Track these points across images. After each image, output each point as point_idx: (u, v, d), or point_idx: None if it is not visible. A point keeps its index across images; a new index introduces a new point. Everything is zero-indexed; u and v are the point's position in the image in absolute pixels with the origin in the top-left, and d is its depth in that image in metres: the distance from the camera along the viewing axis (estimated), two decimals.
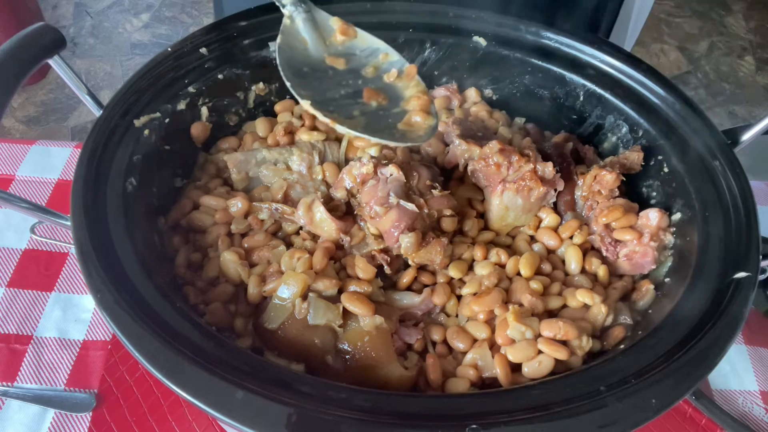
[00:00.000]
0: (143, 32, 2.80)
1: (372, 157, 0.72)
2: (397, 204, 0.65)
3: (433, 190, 0.69)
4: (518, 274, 0.68)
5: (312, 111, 0.64)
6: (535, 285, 0.65)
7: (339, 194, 0.71)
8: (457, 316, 0.67)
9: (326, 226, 0.68)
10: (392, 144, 0.64)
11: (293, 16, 0.70)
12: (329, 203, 0.70)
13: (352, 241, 0.68)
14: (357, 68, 0.71)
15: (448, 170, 0.78)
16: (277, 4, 0.71)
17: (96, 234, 0.57)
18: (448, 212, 0.69)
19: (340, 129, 0.64)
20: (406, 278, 0.67)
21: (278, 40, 0.69)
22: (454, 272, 0.67)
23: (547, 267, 0.69)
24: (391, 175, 0.68)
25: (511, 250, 0.72)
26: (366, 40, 0.73)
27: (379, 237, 0.67)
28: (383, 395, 0.51)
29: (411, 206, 0.65)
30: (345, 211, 0.72)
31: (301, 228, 0.71)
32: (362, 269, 0.65)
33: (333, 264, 0.67)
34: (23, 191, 1.01)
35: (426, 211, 0.67)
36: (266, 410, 0.47)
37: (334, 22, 0.72)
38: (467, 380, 0.61)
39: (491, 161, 0.71)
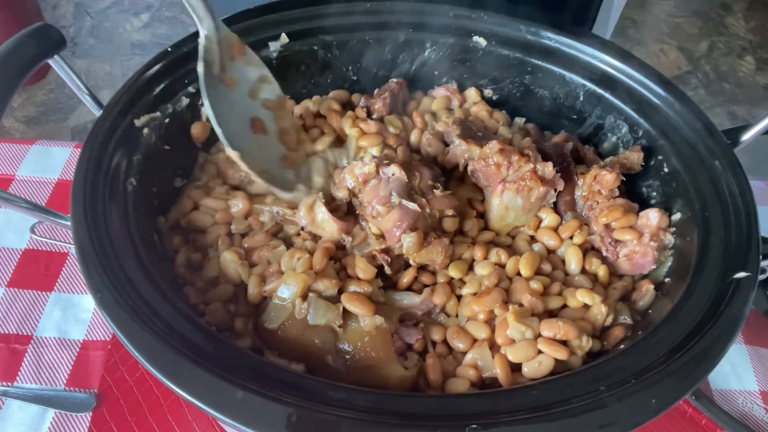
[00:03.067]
0: (143, 32, 2.80)
1: (374, 156, 0.72)
2: (399, 203, 0.65)
3: (434, 190, 0.69)
4: (518, 274, 0.68)
5: (242, 165, 0.66)
6: (535, 285, 0.65)
7: (341, 194, 0.71)
8: (457, 316, 0.67)
9: (328, 226, 0.68)
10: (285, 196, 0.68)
11: (210, 36, 0.67)
12: (331, 204, 0.70)
13: (353, 241, 0.68)
14: (245, 91, 0.70)
15: (448, 170, 0.78)
16: (196, 20, 0.67)
17: (96, 234, 0.57)
18: (449, 212, 0.69)
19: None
20: (406, 278, 0.67)
21: (201, 68, 0.66)
22: (454, 272, 0.67)
23: (547, 267, 0.69)
24: (393, 174, 0.68)
25: (511, 250, 0.72)
26: (252, 60, 0.71)
27: (381, 237, 0.67)
28: (383, 395, 0.51)
29: (413, 206, 0.65)
30: (346, 212, 0.72)
31: (303, 228, 0.71)
32: (362, 269, 0.65)
33: (333, 264, 0.67)
34: (23, 191, 1.01)
35: (428, 210, 0.67)
36: (266, 410, 0.47)
37: (234, 41, 0.69)
38: (467, 380, 0.60)
39: (491, 161, 0.71)
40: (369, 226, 0.67)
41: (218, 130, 0.65)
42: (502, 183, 0.71)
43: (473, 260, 0.70)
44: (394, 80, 0.86)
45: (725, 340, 0.54)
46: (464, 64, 0.87)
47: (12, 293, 0.88)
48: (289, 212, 0.71)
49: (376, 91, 0.86)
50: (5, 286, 0.89)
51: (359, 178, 0.69)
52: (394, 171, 0.67)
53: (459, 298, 0.67)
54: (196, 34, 0.77)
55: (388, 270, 0.66)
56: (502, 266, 0.69)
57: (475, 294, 0.65)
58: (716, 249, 0.62)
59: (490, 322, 0.64)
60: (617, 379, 0.51)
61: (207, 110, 0.66)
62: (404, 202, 0.65)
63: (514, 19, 0.83)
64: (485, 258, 0.69)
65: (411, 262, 0.67)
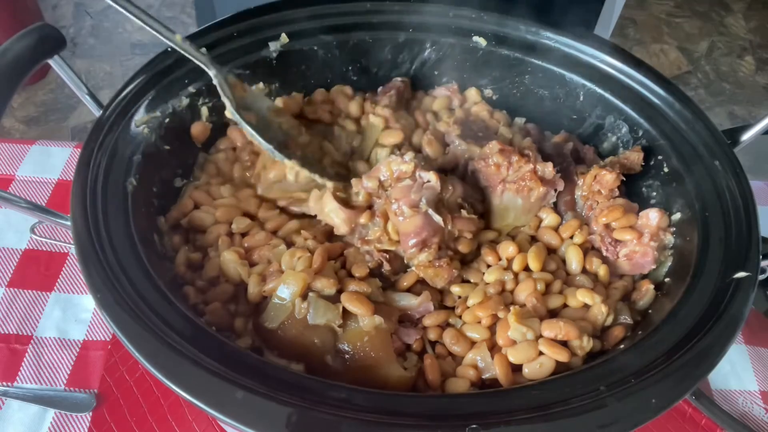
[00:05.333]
0: (143, 32, 2.79)
1: (414, 156, 0.70)
2: (426, 212, 0.64)
3: (462, 210, 0.68)
4: (525, 269, 0.67)
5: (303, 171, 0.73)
6: (539, 286, 0.65)
7: (371, 184, 0.69)
8: (460, 317, 0.66)
9: (335, 215, 0.68)
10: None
11: (219, 77, 0.73)
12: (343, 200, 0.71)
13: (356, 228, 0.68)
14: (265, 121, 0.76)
15: (448, 170, 0.78)
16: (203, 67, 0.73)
17: (96, 234, 0.57)
18: (468, 235, 0.68)
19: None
20: (406, 282, 0.67)
21: (232, 107, 0.73)
22: (459, 290, 0.67)
23: (552, 265, 0.69)
24: (428, 181, 0.66)
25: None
26: (256, 95, 0.78)
27: (393, 239, 0.66)
28: (383, 395, 0.51)
29: (438, 218, 0.64)
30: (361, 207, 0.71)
31: (310, 217, 0.71)
32: (358, 269, 0.65)
33: (333, 264, 0.67)
34: (23, 191, 1.01)
35: (449, 227, 0.66)
36: (266, 410, 0.47)
37: (234, 81, 0.75)
38: (467, 380, 0.60)
39: (491, 161, 0.71)
40: (385, 226, 0.67)
41: (278, 157, 0.73)
42: (502, 183, 0.71)
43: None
44: (399, 79, 0.86)
45: (725, 340, 0.54)
46: (464, 64, 0.87)
47: (12, 293, 0.88)
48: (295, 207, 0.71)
49: (379, 89, 0.86)
50: (5, 286, 0.89)
51: (395, 173, 0.68)
52: (431, 178, 0.66)
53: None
54: (196, 35, 0.77)
55: (387, 267, 0.66)
56: (509, 260, 0.68)
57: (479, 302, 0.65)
58: (716, 249, 0.62)
59: (492, 327, 0.63)
60: (617, 379, 0.51)
61: (259, 141, 0.73)
62: (431, 212, 0.64)
63: (514, 18, 0.83)
64: (498, 261, 0.69)
65: (414, 268, 0.66)
